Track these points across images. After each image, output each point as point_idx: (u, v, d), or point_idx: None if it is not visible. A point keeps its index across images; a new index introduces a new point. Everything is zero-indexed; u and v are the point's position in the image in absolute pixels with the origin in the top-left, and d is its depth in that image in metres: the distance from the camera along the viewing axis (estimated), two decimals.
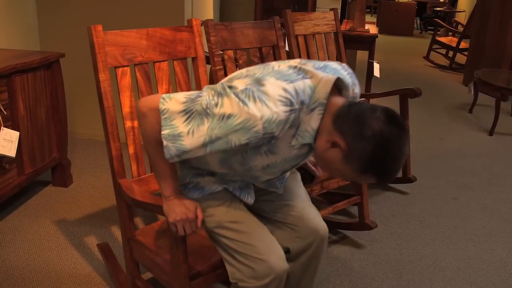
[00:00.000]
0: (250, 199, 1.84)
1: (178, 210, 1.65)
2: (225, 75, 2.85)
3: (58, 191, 3.41)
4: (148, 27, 2.24)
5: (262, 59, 3.09)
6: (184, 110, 1.51)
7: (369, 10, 16.15)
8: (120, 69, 2.14)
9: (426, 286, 2.58)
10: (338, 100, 1.53)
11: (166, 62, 2.29)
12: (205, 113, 1.47)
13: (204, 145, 1.48)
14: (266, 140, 1.47)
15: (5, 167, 2.86)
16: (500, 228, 3.22)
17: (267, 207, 1.91)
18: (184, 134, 1.50)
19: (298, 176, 2.01)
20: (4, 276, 2.49)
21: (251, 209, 1.90)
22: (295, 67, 1.56)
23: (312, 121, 1.52)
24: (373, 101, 5.20)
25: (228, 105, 1.44)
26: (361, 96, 3.53)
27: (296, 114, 1.47)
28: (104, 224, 3.01)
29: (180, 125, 1.51)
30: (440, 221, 3.26)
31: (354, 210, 3.22)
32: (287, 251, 1.87)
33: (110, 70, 2.08)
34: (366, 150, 1.43)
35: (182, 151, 1.51)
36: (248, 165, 1.62)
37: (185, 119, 1.50)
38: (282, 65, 1.58)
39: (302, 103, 1.48)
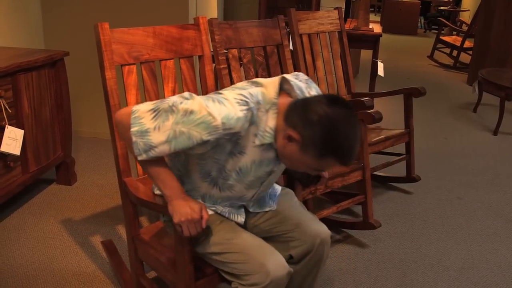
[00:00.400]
0: (240, 218, 1.91)
1: (183, 210, 1.65)
2: (230, 73, 2.85)
3: (62, 189, 3.42)
4: (152, 25, 2.24)
5: (266, 58, 3.08)
6: (152, 109, 1.64)
7: (373, 9, 16.12)
8: (127, 67, 2.14)
9: (430, 285, 2.57)
10: (287, 100, 1.69)
11: (172, 60, 2.29)
12: (171, 110, 1.60)
13: (169, 140, 1.60)
14: (229, 137, 1.61)
15: (9, 165, 2.87)
16: (504, 228, 3.21)
17: (265, 227, 1.95)
18: (151, 129, 1.61)
19: (290, 192, 2.06)
20: (8, 274, 2.49)
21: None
22: (248, 81, 1.75)
23: (269, 121, 1.66)
24: (377, 100, 5.20)
25: (191, 103, 1.59)
26: (365, 95, 3.53)
27: (253, 112, 1.62)
28: (108, 223, 3.01)
29: (147, 122, 1.62)
30: (444, 221, 3.25)
31: (358, 209, 3.21)
32: (290, 258, 1.89)
33: (116, 68, 2.08)
34: (317, 134, 1.55)
35: (149, 145, 1.62)
36: (224, 171, 1.73)
37: (153, 116, 1.62)
38: (239, 84, 1.75)
39: (257, 103, 1.64)
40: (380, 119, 2.74)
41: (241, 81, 2.83)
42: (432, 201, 3.52)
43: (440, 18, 9.69)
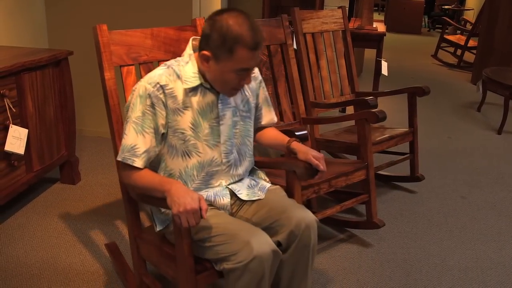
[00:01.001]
0: (226, 200, 1.99)
1: (182, 201, 1.68)
2: None
3: (66, 189, 3.42)
4: (156, 25, 2.27)
5: (270, 57, 3.09)
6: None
7: (377, 8, 16.09)
8: (125, 67, 2.18)
9: (434, 285, 2.57)
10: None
11: None
12: (126, 122, 1.88)
13: (136, 130, 1.84)
14: (161, 92, 1.84)
15: (14, 164, 2.88)
16: (508, 227, 3.20)
17: (254, 218, 1.99)
18: (124, 142, 1.86)
19: (279, 188, 2.13)
20: (12, 273, 2.50)
21: None
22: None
23: (192, 68, 1.90)
24: (380, 99, 5.18)
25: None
26: (369, 94, 3.52)
27: (173, 68, 1.90)
28: (112, 222, 3.02)
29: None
30: (448, 220, 3.25)
31: (362, 208, 3.21)
32: (278, 244, 1.91)
33: (115, 69, 2.12)
34: (217, 37, 1.77)
35: (125, 146, 1.85)
36: (182, 133, 1.89)
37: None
38: None
39: (175, 61, 1.94)
40: (384, 118, 2.74)
41: None
42: (436, 201, 3.52)
43: (444, 17, 9.67)
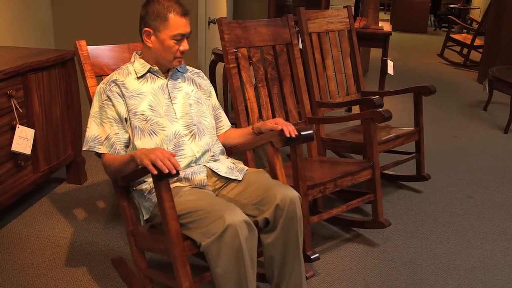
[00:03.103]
0: (202, 175, 2.16)
1: (150, 152, 1.83)
2: (239, 73, 2.86)
3: (72, 189, 3.44)
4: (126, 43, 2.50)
5: (276, 57, 3.09)
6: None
7: (382, 7, 16.06)
8: (107, 76, 2.33)
9: (440, 284, 2.56)
10: None
11: None
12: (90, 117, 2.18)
13: (96, 123, 2.15)
14: (114, 85, 2.15)
15: (20, 165, 2.89)
16: None
17: (238, 197, 2.14)
18: (87, 135, 2.16)
19: (263, 171, 2.30)
20: (19, 272, 2.51)
21: None
22: None
23: (138, 62, 2.22)
24: (386, 98, 5.17)
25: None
26: (375, 93, 3.52)
27: (122, 68, 2.23)
28: (118, 222, 3.03)
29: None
30: (454, 220, 3.24)
31: (368, 208, 3.21)
32: (266, 222, 2.04)
33: (97, 78, 2.34)
34: (153, 10, 2.11)
35: (89, 137, 2.15)
36: (142, 115, 2.13)
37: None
38: None
39: (124, 64, 2.28)
40: (389, 117, 2.73)
41: (250, 80, 2.87)
42: (442, 200, 3.51)
43: (450, 16, 9.63)
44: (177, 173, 1.79)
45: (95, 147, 2.14)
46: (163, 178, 1.80)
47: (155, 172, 1.78)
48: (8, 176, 2.81)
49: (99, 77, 2.36)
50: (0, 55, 3.06)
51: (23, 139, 2.84)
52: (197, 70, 2.45)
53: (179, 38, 2.14)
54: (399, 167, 3.58)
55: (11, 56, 3.03)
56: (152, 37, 2.15)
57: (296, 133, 2.22)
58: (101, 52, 2.40)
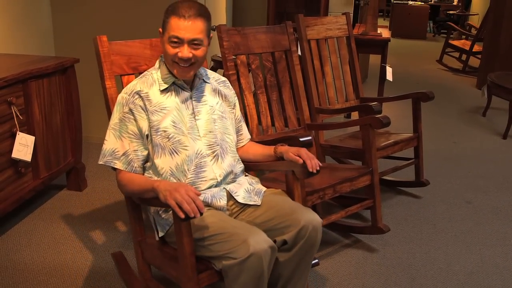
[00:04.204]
0: (222, 202, 2.05)
1: (174, 189, 1.73)
2: (238, 79, 2.87)
3: (72, 195, 3.44)
4: (149, 38, 2.38)
5: (275, 64, 3.10)
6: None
7: (381, 13, 16.10)
8: (126, 77, 2.27)
9: None
10: None
11: None
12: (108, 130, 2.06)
13: (114, 135, 2.03)
14: (137, 97, 2.01)
15: (21, 171, 2.90)
16: None
17: (259, 220, 2.04)
18: (104, 147, 2.05)
19: (281, 191, 2.21)
20: (19, 279, 2.52)
21: None
22: None
23: (164, 70, 2.08)
24: (385, 104, 5.19)
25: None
26: (374, 100, 3.54)
27: (146, 75, 2.09)
28: (118, 228, 3.03)
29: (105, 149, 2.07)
30: (453, 225, 3.24)
31: (367, 214, 3.21)
32: (283, 244, 1.96)
33: (116, 78, 2.22)
34: (165, 12, 2.01)
35: (106, 150, 2.03)
36: (164, 132, 2.01)
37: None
38: None
39: (149, 70, 2.14)
40: (388, 123, 2.75)
41: (249, 87, 2.89)
42: (441, 205, 3.52)
43: (449, 22, 9.66)
44: (201, 215, 1.71)
45: (111, 161, 2.02)
46: (186, 220, 1.72)
47: (183, 216, 1.68)
48: (8, 183, 2.82)
49: (118, 77, 2.26)
50: (1, 62, 3.08)
51: (23, 146, 2.85)
52: (223, 79, 2.31)
53: (175, 41, 1.97)
54: (398, 173, 3.59)
55: (11, 63, 3.05)
56: (161, 38, 2.05)
57: (319, 168, 2.10)
58: (121, 48, 2.26)
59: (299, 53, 3.35)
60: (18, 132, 2.83)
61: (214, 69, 4.22)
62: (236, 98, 2.33)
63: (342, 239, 3.02)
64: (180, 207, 1.69)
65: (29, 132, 2.95)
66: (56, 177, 3.27)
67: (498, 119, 5.72)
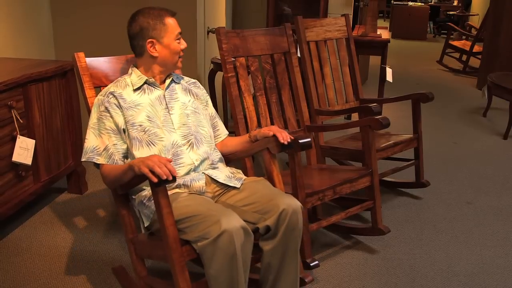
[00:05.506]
0: (201, 182, 2.18)
1: (147, 158, 1.87)
2: (237, 82, 2.88)
3: (73, 198, 3.45)
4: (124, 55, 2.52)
5: (274, 66, 3.11)
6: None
7: (382, 14, 16.10)
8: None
9: None
10: None
11: None
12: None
13: (94, 134, 2.18)
14: (112, 97, 2.18)
15: (21, 175, 2.90)
16: None
17: (239, 204, 2.15)
18: (85, 145, 2.20)
19: (264, 179, 2.30)
20: (21, 282, 2.52)
21: None
22: None
23: (135, 74, 2.27)
24: (385, 105, 5.20)
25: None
26: (374, 101, 3.54)
27: (119, 81, 2.26)
28: (118, 231, 3.04)
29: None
30: (454, 226, 3.24)
31: (367, 215, 3.21)
32: (267, 230, 2.05)
33: (96, 89, 2.38)
34: (147, 22, 2.19)
35: (87, 148, 2.18)
36: (140, 126, 2.16)
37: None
38: None
39: (122, 76, 2.31)
40: (387, 125, 2.75)
41: (248, 89, 2.89)
42: (441, 206, 3.51)
43: (449, 23, 9.66)
44: (174, 179, 1.82)
45: (93, 157, 2.17)
46: (160, 184, 1.82)
47: (155, 180, 1.80)
48: (9, 186, 2.82)
49: (98, 88, 2.39)
50: (1, 66, 3.09)
51: (23, 150, 2.86)
52: (193, 80, 2.49)
53: (179, 37, 2.24)
54: (398, 173, 3.59)
55: (11, 67, 3.06)
56: (157, 46, 2.21)
57: (289, 140, 2.23)
58: (99, 63, 2.44)
59: (299, 55, 3.36)
60: (18, 136, 2.83)
61: (213, 71, 4.23)
62: (208, 96, 2.50)
63: (343, 240, 3.02)
64: (153, 172, 1.80)
65: (30, 135, 2.96)
66: (56, 180, 3.27)
67: (498, 120, 5.72)
